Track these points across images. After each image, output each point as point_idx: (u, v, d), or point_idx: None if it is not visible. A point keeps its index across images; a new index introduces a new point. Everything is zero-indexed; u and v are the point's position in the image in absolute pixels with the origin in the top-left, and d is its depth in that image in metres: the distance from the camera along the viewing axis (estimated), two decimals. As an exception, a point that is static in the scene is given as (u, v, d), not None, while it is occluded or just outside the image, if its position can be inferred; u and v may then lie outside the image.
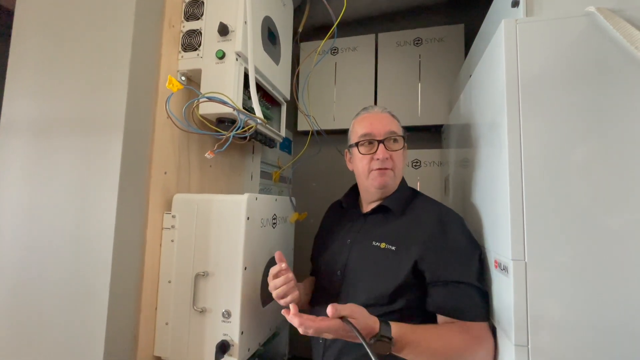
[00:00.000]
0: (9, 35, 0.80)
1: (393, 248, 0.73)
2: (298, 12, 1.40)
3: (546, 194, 0.56)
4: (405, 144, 0.82)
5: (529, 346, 0.53)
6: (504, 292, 0.59)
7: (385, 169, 0.77)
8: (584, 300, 0.53)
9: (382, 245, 0.74)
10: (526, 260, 0.55)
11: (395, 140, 0.79)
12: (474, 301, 0.65)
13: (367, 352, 0.53)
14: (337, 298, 0.76)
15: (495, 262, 0.64)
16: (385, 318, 0.63)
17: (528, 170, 0.57)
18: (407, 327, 0.62)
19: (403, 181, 0.84)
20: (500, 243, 0.61)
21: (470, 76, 0.89)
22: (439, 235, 0.71)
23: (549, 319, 0.53)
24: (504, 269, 0.59)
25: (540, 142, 0.57)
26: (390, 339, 0.59)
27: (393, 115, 0.84)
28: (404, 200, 0.81)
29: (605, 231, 0.53)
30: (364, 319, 0.60)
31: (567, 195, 0.55)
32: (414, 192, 0.85)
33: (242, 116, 0.80)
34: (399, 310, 0.69)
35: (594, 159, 0.54)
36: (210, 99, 0.73)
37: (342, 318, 0.59)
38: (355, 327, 0.57)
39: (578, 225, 0.54)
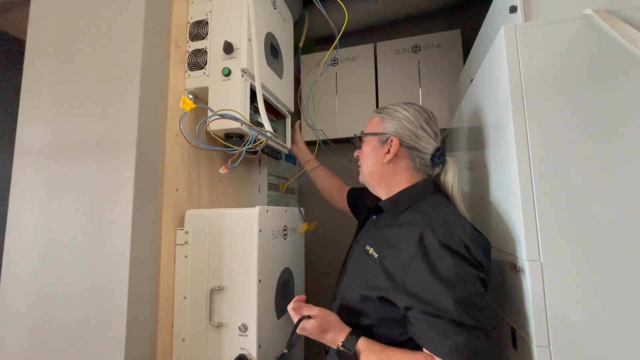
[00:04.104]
0: (21, 64, 0.83)
1: (376, 256, 0.69)
2: (296, 26, 1.43)
3: (557, 192, 0.56)
4: (373, 143, 0.78)
5: (551, 347, 0.53)
6: (522, 293, 0.59)
7: (359, 167, 0.83)
8: (602, 298, 0.53)
9: (370, 250, 0.71)
10: (542, 260, 0.56)
11: (360, 140, 0.83)
12: (444, 334, 0.55)
13: None
14: (333, 299, 0.78)
15: (510, 264, 0.64)
16: (359, 328, 0.65)
17: (537, 170, 0.58)
18: (376, 346, 0.62)
19: (412, 188, 0.74)
20: (515, 244, 0.62)
21: (472, 80, 0.91)
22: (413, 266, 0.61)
23: (569, 319, 0.53)
24: (520, 270, 0.59)
25: (547, 142, 0.58)
26: (350, 350, 0.61)
27: (379, 114, 0.80)
28: (399, 203, 0.73)
29: (618, 227, 0.53)
30: (329, 324, 0.64)
31: (577, 193, 0.55)
32: (413, 198, 0.73)
33: (252, 131, 0.81)
34: (373, 324, 0.66)
35: (600, 157, 0.55)
36: (222, 116, 0.74)
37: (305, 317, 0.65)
38: (296, 324, 0.65)
39: (591, 222, 0.54)
